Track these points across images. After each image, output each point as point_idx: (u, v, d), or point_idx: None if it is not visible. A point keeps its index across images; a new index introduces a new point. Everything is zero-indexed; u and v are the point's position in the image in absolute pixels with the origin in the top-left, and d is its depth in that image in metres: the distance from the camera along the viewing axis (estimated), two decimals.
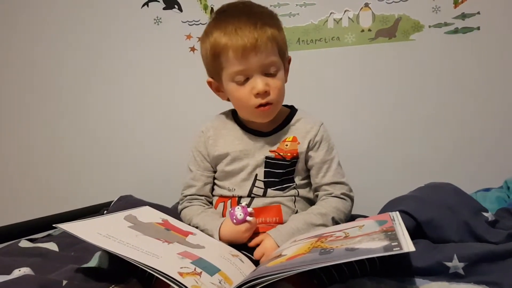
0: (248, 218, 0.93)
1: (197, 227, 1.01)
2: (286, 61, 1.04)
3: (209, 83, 1.07)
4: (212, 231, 0.97)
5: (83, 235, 0.77)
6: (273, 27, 0.97)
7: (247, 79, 0.97)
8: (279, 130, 1.06)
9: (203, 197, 1.09)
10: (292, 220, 0.98)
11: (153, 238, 0.83)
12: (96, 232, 0.80)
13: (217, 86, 1.05)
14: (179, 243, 0.84)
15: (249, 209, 0.95)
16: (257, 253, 0.92)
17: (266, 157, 1.03)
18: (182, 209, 1.09)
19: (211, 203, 1.10)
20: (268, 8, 1.04)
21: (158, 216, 0.98)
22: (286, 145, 1.03)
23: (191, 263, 0.74)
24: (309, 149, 1.04)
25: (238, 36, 0.94)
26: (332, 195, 1.03)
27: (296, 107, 1.12)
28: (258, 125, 1.06)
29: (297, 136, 1.04)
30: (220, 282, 0.72)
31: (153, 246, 0.79)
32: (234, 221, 0.93)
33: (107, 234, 0.79)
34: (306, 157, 1.05)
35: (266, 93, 0.97)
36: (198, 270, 0.72)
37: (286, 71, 1.06)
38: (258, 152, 1.04)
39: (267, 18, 0.98)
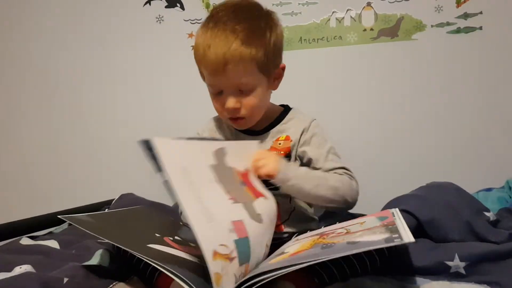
0: None
1: None
2: (274, 72, 1.01)
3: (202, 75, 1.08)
4: None
5: (165, 157, 0.73)
6: (252, 46, 0.92)
7: (222, 91, 0.97)
8: (271, 128, 1.05)
9: None
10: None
11: (222, 191, 0.78)
12: (179, 157, 0.76)
13: None
14: (243, 207, 0.79)
15: None
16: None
17: None
18: None
19: None
20: (260, 18, 0.99)
21: (243, 164, 0.90)
22: (279, 144, 1.03)
23: (234, 241, 0.70)
24: (299, 145, 1.03)
25: (211, 52, 0.92)
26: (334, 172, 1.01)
27: (290, 106, 1.11)
28: (251, 127, 1.05)
29: (290, 135, 1.04)
30: (239, 276, 0.68)
31: (216, 202, 0.75)
32: None
33: (185, 166, 0.76)
34: (298, 153, 1.03)
35: (236, 110, 0.97)
36: (234, 254, 0.68)
37: (278, 77, 1.04)
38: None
39: (248, 36, 0.93)
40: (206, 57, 0.93)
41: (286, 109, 1.09)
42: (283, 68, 1.04)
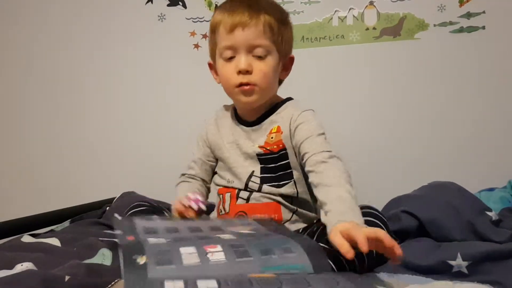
0: (193, 204, 0.95)
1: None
2: (284, 58, 1.03)
3: (209, 65, 1.09)
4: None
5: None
6: (270, 15, 0.98)
7: (234, 57, 0.98)
8: (264, 119, 1.04)
9: (199, 179, 1.11)
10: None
11: None
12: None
13: (215, 68, 1.06)
14: None
15: (201, 206, 0.97)
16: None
17: (257, 154, 1.01)
18: (178, 183, 1.13)
19: (208, 188, 1.13)
20: (278, 5, 1.04)
21: None
22: (272, 138, 1.01)
23: None
24: (292, 136, 0.99)
25: (231, 14, 0.97)
26: (319, 161, 0.90)
27: (293, 98, 1.08)
28: (246, 115, 1.06)
29: (281, 126, 1.01)
30: None
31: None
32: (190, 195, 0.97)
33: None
34: (292, 142, 0.99)
35: (248, 73, 0.97)
36: None
37: (286, 69, 1.06)
38: (247, 142, 1.03)
39: (268, 7, 0.99)
40: (225, 17, 0.97)
41: (284, 101, 1.07)
42: (292, 60, 1.06)
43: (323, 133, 0.97)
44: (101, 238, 1.05)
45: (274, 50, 0.99)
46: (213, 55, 1.05)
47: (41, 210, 1.33)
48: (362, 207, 0.82)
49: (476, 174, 1.59)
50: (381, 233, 0.68)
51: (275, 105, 1.05)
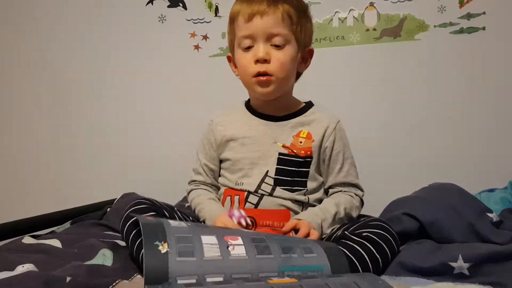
0: (242, 221, 0.92)
1: (199, 207, 1.04)
2: (303, 45, 1.03)
3: (228, 58, 1.09)
4: (211, 215, 1.00)
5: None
6: (289, 4, 0.98)
7: (252, 47, 0.99)
8: (291, 118, 1.04)
9: (210, 185, 1.11)
10: (310, 209, 1.00)
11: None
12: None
13: (234, 61, 1.07)
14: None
15: (248, 220, 0.93)
16: (288, 227, 0.93)
17: (280, 154, 1.01)
18: (190, 190, 1.11)
19: (218, 188, 1.10)
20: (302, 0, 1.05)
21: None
22: (300, 142, 1.02)
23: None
24: (322, 147, 1.03)
25: (250, 3, 0.98)
26: (343, 191, 1.04)
27: (313, 102, 1.11)
28: (269, 110, 1.05)
29: (312, 132, 1.03)
30: None
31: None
32: (231, 217, 0.93)
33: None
34: (320, 155, 1.03)
35: (265, 62, 0.97)
36: None
37: (306, 61, 1.06)
38: (265, 139, 1.02)
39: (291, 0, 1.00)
40: (243, 7, 0.98)
41: (309, 104, 1.09)
42: (311, 52, 1.06)
43: (351, 156, 1.07)
44: (102, 239, 1.05)
45: (293, 40, 0.99)
46: (231, 46, 1.05)
47: (42, 211, 1.33)
48: (372, 220, 0.90)
49: (476, 175, 1.59)
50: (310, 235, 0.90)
51: (301, 108, 1.07)
